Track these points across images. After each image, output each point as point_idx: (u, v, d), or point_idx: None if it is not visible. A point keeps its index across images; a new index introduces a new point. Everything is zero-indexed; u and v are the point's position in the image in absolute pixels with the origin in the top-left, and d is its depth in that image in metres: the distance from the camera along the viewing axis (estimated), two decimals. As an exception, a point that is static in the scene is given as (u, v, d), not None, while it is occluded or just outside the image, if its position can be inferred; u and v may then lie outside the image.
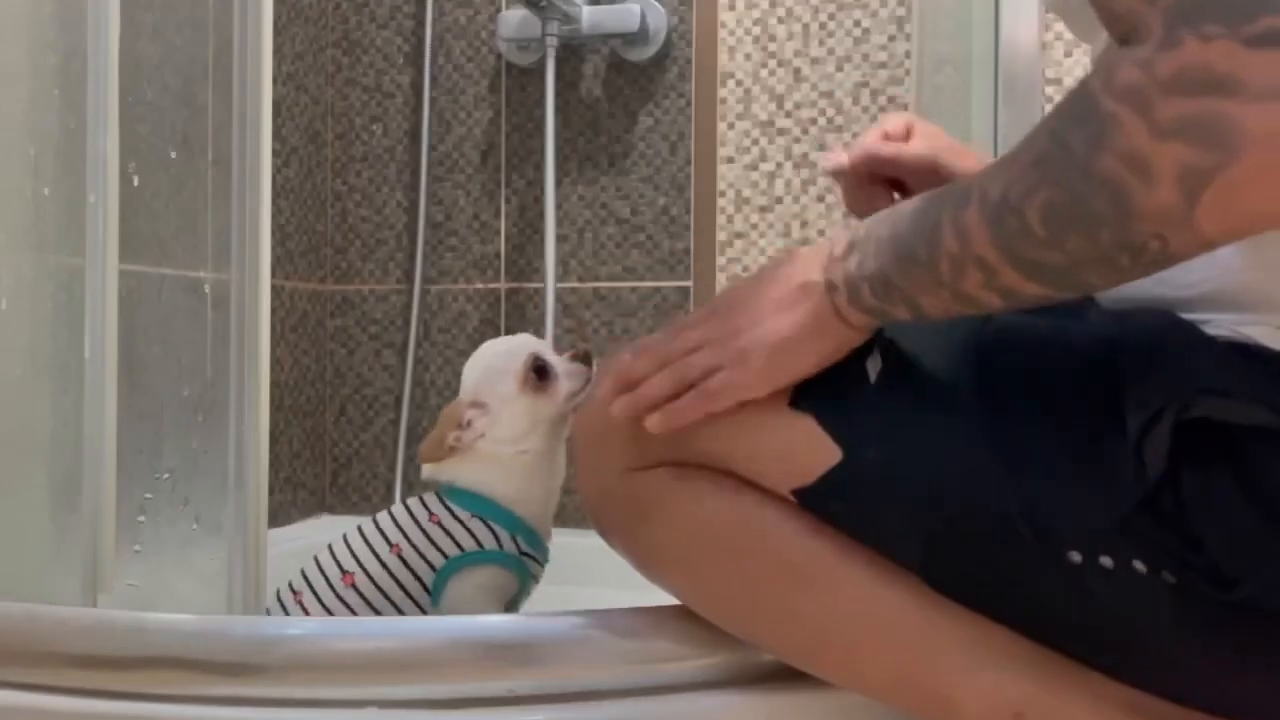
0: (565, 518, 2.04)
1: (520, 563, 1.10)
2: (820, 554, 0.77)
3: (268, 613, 1.10)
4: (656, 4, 1.98)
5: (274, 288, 1.30)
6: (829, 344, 0.73)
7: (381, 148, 2.17)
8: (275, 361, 1.92)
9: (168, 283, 1.20)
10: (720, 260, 1.95)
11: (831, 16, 1.92)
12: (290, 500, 2.05)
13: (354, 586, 1.08)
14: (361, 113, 2.18)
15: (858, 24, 1.91)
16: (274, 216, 1.20)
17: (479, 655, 0.86)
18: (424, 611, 1.07)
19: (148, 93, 1.19)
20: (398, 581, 1.07)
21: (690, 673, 0.87)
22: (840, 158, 0.93)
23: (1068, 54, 1.75)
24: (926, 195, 0.68)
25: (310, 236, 2.13)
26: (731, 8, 1.96)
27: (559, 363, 1.10)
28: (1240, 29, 0.52)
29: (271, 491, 1.23)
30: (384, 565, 1.08)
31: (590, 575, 1.47)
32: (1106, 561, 0.67)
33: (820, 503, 0.76)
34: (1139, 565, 0.66)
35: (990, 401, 0.70)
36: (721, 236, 1.95)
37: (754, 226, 1.94)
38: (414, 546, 1.08)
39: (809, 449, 0.74)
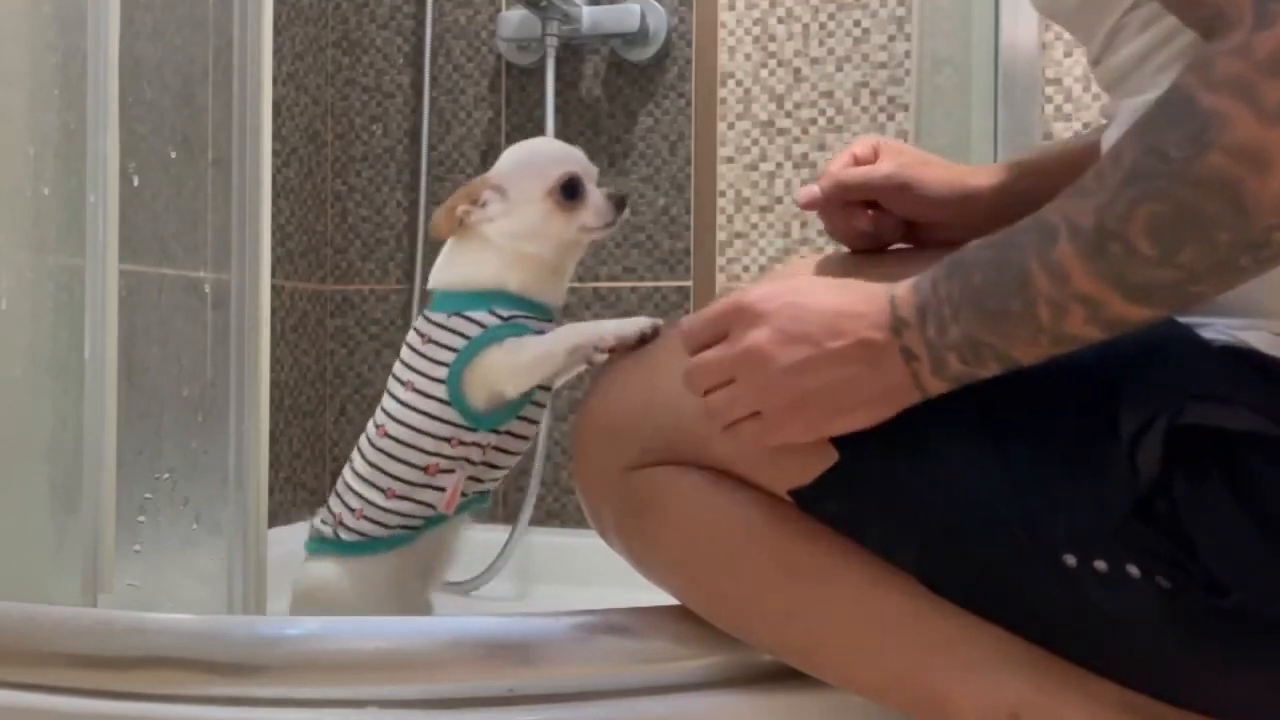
0: (565, 518, 2.05)
1: (510, 327, 1.04)
2: (816, 554, 0.77)
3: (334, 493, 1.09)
4: (656, 4, 1.98)
5: (274, 288, 1.30)
6: (892, 410, 0.70)
7: (381, 148, 2.17)
8: (275, 361, 1.92)
9: (168, 283, 1.20)
10: (720, 260, 1.95)
11: (831, 16, 1.92)
12: (290, 500, 2.05)
13: (388, 435, 1.07)
14: (361, 113, 2.18)
15: (858, 24, 1.91)
16: (274, 216, 1.21)
17: (479, 655, 0.86)
18: (465, 428, 1.05)
19: (148, 93, 1.19)
20: (426, 414, 1.05)
21: (690, 673, 0.87)
22: (812, 191, 0.93)
23: (1068, 54, 1.75)
24: (993, 242, 0.65)
25: (310, 236, 2.13)
26: (731, 8, 1.96)
27: (594, 193, 1.06)
28: None
29: (271, 491, 1.23)
30: (406, 405, 1.06)
31: (590, 575, 1.47)
32: (1100, 565, 0.67)
33: (817, 503, 0.76)
34: (1133, 569, 0.66)
35: (986, 405, 0.70)
36: (721, 236, 1.95)
37: (754, 226, 1.94)
38: (422, 374, 1.06)
39: (806, 450, 0.74)
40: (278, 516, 1.95)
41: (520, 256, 1.05)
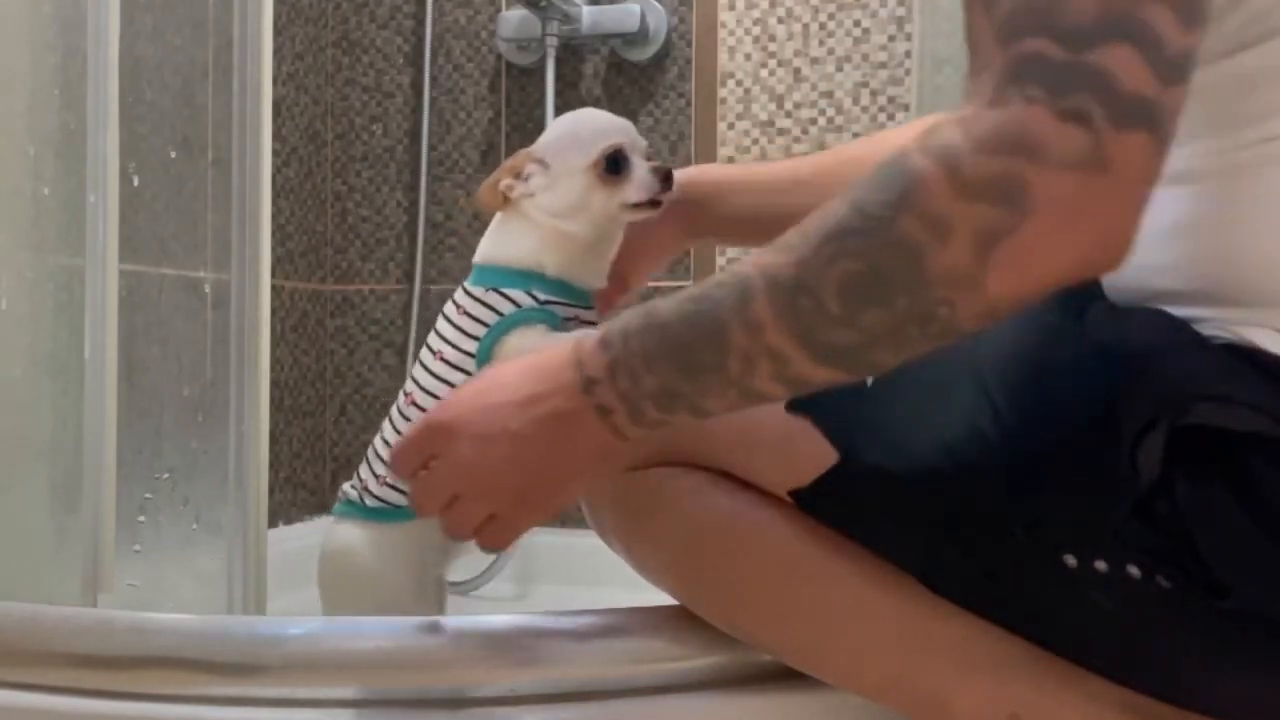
0: (565, 518, 2.04)
1: (543, 312, 1.03)
2: (816, 555, 0.77)
3: (366, 462, 1.08)
4: (656, 4, 1.98)
5: (274, 288, 1.30)
6: (608, 465, 0.74)
7: (381, 148, 2.17)
8: (275, 361, 1.92)
9: (167, 283, 1.20)
10: (720, 260, 1.95)
11: (831, 16, 1.92)
12: (290, 500, 2.05)
13: (414, 404, 1.05)
14: (361, 113, 2.18)
15: (858, 24, 1.91)
16: (274, 216, 1.21)
17: (479, 655, 0.86)
18: None
19: (148, 93, 1.19)
20: (453, 386, 1.02)
21: (690, 673, 0.87)
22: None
23: (1068, 54, 1.75)
24: (689, 295, 0.66)
25: (310, 236, 2.13)
26: (731, 8, 1.96)
27: (640, 166, 1.01)
28: (1057, 99, 0.53)
29: (271, 491, 1.23)
30: (434, 375, 1.04)
31: (590, 575, 1.47)
32: (1101, 565, 0.67)
33: (816, 504, 0.76)
34: (1133, 570, 0.66)
35: (986, 405, 0.70)
36: (721, 236, 1.95)
37: (754, 226, 1.94)
38: (453, 345, 1.04)
39: (805, 450, 0.74)
40: (278, 516, 1.95)
41: (559, 236, 1.03)
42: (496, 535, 0.75)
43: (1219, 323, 0.67)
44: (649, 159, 1.03)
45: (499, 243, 1.06)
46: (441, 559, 1.12)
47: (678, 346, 0.65)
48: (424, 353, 1.07)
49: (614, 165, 1.00)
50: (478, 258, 1.08)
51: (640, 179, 1.00)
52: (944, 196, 0.56)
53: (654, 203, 1.00)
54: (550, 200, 1.02)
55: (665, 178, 1.00)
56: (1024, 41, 0.55)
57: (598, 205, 1.01)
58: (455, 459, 0.73)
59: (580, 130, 1.04)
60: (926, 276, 0.57)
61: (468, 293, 1.05)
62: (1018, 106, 0.54)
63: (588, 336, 0.70)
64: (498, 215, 1.08)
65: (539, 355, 0.72)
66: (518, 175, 1.03)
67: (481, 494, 0.74)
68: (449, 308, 1.06)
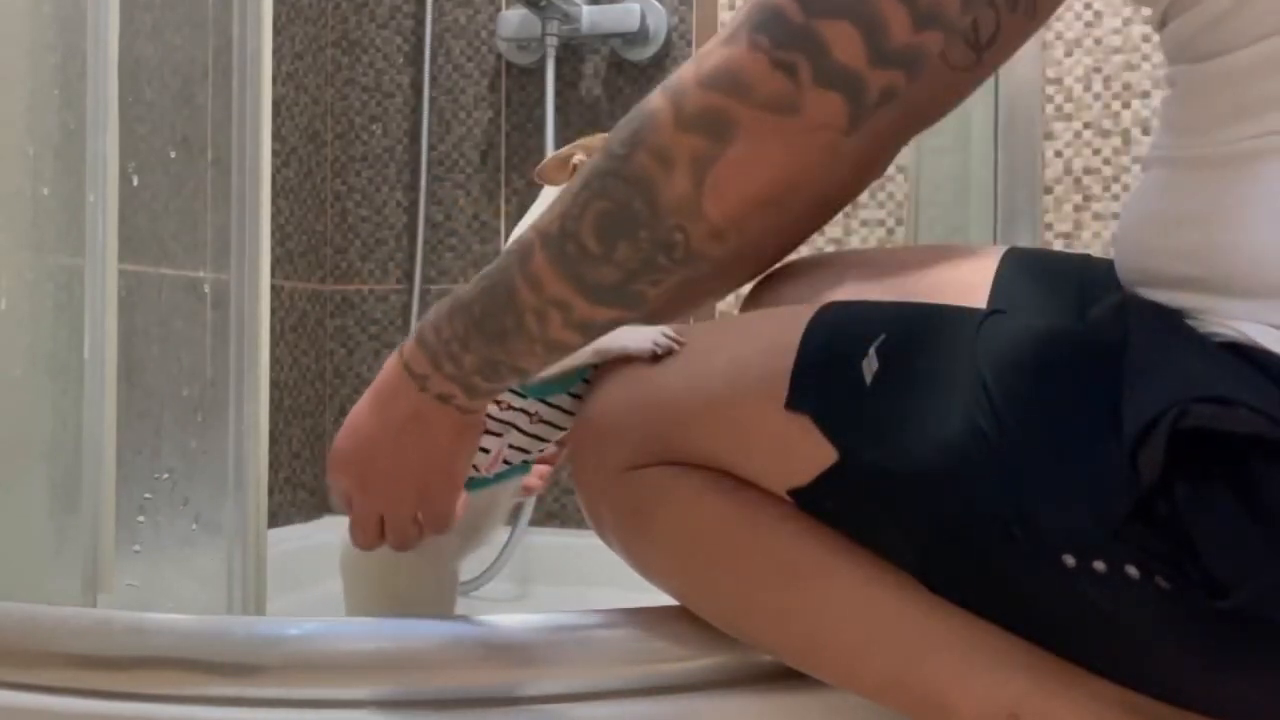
0: (565, 518, 2.04)
1: None
2: (816, 554, 0.77)
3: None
4: (656, 4, 1.98)
5: (273, 288, 1.30)
6: (473, 442, 0.82)
7: (381, 148, 2.17)
8: (275, 361, 1.92)
9: (167, 283, 1.20)
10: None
11: (831, 16, 1.92)
12: (290, 500, 2.05)
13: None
14: (361, 113, 2.18)
15: (858, 23, 1.91)
16: (274, 216, 1.20)
17: (479, 655, 0.86)
18: (515, 392, 1.03)
19: (147, 93, 1.19)
20: None
21: (690, 673, 0.86)
22: None
23: (1068, 54, 1.75)
24: (486, 272, 0.72)
25: (310, 236, 2.13)
26: (731, 7, 1.96)
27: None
28: (776, 51, 0.60)
29: (271, 492, 1.23)
30: None
31: (590, 575, 1.47)
32: (1100, 566, 0.66)
33: (816, 503, 0.76)
34: (1132, 570, 0.66)
35: (986, 404, 0.70)
36: (721, 236, 1.95)
37: (754, 226, 1.94)
38: None
39: (805, 450, 0.74)
40: (277, 517, 1.95)
41: None
42: (432, 525, 0.84)
43: (1215, 314, 0.67)
44: None
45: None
46: (464, 545, 1.12)
47: (481, 320, 0.71)
48: None
49: None
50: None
51: None
52: (668, 129, 0.62)
53: None
54: None
55: None
56: None
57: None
58: (358, 491, 0.82)
59: None
60: (659, 207, 0.63)
61: None
62: (743, 48, 0.61)
63: (407, 342, 0.77)
64: (543, 195, 1.08)
65: (378, 380, 0.79)
66: (590, 154, 1.04)
67: (394, 506, 0.82)
68: None
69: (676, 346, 0.89)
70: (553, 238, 0.67)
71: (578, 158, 1.03)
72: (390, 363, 0.78)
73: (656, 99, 0.63)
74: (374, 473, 0.81)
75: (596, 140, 1.03)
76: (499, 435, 1.05)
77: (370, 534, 0.84)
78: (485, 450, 1.05)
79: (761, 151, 0.61)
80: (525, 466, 1.10)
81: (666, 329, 0.92)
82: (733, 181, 0.62)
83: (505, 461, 1.06)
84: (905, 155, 1.11)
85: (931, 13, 0.61)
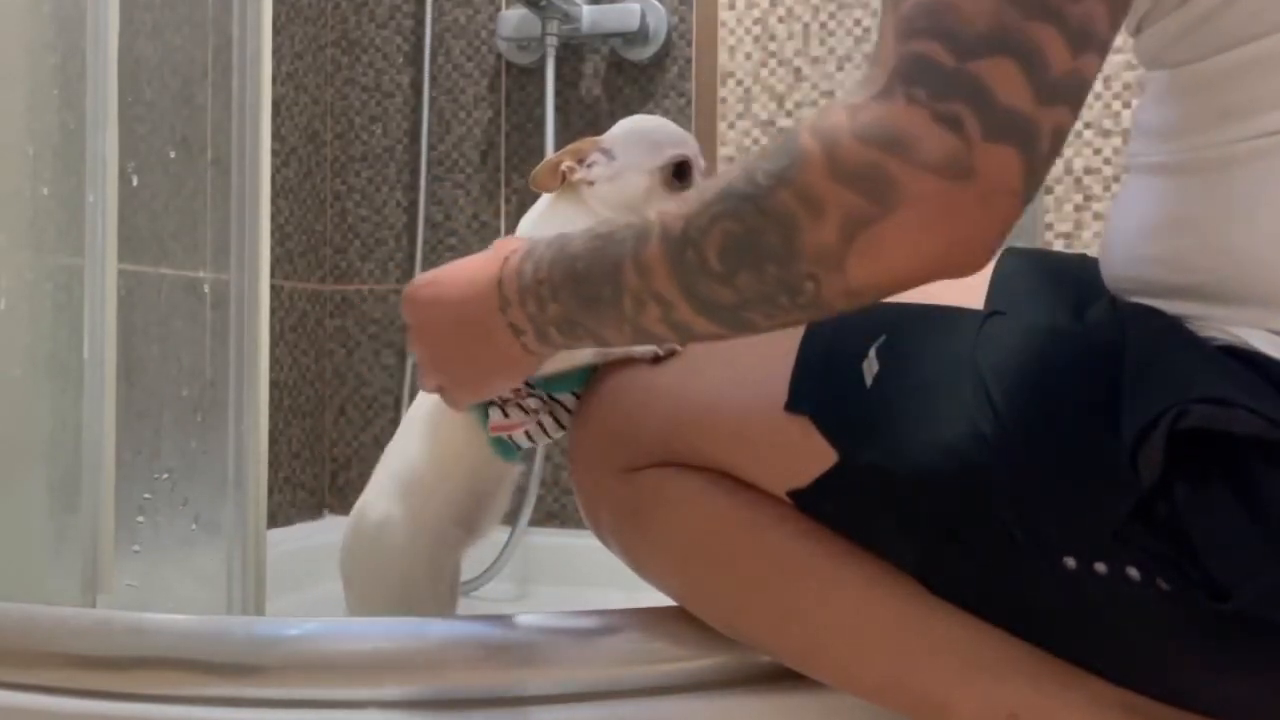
0: (565, 518, 2.04)
1: None
2: (815, 556, 0.77)
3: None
4: (656, 3, 1.98)
5: (273, 288, 1.30)
6: (521, 374, 0.83)
7: (381, 148, 2.17)
8: (275, 362, 1.92)
9: (167, 283, 1.20)
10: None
11: (832, 16, 1.92)
12: (290, 500, 2.05)
13: None
14: (361, 112, 2.18)
15: (858, 23, 1.91)
16: (273, 216, 1.20)
17: (479, 655, 0.86)
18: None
19: (147, 92, 1.19)
20: None
21: (690, 673, 0.86)
22: None
23: (1068, 53, 1.75)
24: (598, 232, 0.70)
25: (309, 236, 2.13)
26: (731, 7, 1.96)
27: (702, 183, 1.03)
28: (937, 103, 0.56)
29: (271, 492, 1.23)
30: None
31: (590, 576, 1.47)
32: (1100, 568, 0.66)
33: (815, 505, 0.76)
34: (1133, 572, 0.66)
35: (986, 406, 0.69)
36: (721, 236, 1.95)
37: (754, 226, 1.94)
38: None
39: (804, 451, 0.74)
40: (277, 517, 1.95)
41: None
42: (448, 401, 0.87)
43: (1212, 320, 0.67)
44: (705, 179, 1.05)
45: (549, 223, 1.06)
46: (464, 536, 1.12)
47: (581, 280, 0.70)
48: None
49: (680, 174, 1.02)
50: (524, 232, 1.07)
51: None
52: (820, 176, 0.58)
53: None
54: (610, 191, 1.02)
55: None
56: (917, 41, 0.57)
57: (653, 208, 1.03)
58: (412, 333, 0.84)
59: (653, 132, 1.06)
60: (795, 249, 0.60)
61: None
62: (899, 103, 0.57)
63: (514, 253, 0.76)
64: (545, 197, 1.07)
65: (483, 260, 0.79)
66: (580, 160, 1.03)
67: (428, 367, 0.85)
68: None
69: (678, 348, 0.88)
70: (674, 238, 0.65)
71: (566, 164, 1.03)
72: (496, 256, 0.78)
73: (805, 139, 0.59)
74: (423, 336, 0.83)
75: (586, 144, 1.03)
76: (530, 414, 1.04)
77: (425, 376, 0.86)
78: (515, 412, 1.04)
79: (929, 223, 0.57)
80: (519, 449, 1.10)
81: None
82: (890, 250, 0.58)
83: (510, 437, 1.05)
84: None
85: (1085, 30, 0.57)
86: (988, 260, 0.59)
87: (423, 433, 1.08)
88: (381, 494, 1.09)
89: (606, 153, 1.03)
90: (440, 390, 0.86)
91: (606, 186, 1.02)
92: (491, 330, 0.77)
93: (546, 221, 1.06)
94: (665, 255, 0.65)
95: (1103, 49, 0.58)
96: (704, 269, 0.63)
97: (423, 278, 0.85)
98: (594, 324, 0.71)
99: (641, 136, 1.04)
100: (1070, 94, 0.57)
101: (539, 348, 0.76)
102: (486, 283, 0.77)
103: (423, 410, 1.08)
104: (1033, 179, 0.57)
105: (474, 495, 1.09)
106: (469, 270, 0.80)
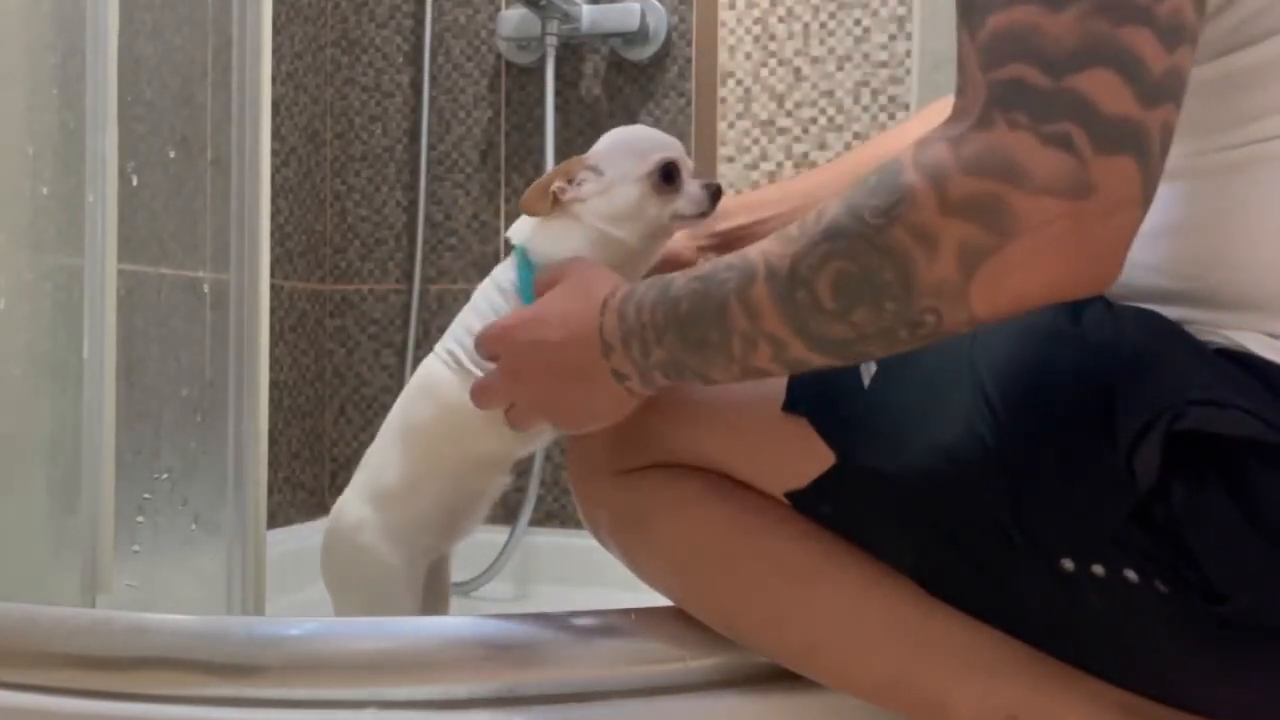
0: (565, 518, 2.04)
1: None
2: (813, 557, 0.77)
3: None
4: (656, 3, 1.98)
5: (273, 288, 1.30)
6: (624, 412, 0.79)
7: (381, 147, 2.17)
8: (274, 361, 1.92)
9: (166, 282, 1.20)
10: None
11: (832, 15, 1.92)
12: (290, 500, 2.05)
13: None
14: (361, 112, 2.18)
15: (858, 23, 1.91)
16: (273, 216, 1.20)
17: (479, 655, 0.86)
18: None
19: (146, 92, 1.19)
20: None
21: (689, 673, 0.86)
22: None
23: (1068, 53, 1.75)
24: (701, 275, 0.70)
25: (309, 236, 2.13)
26: (731, 7, 1.96)
27: (690, 182, 1.05)
28: (1041, 125, 0.55)
29: (270, 492, 1.23)
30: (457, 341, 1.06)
31: (590, 576, 1.47)
32: (1098, 570, 0.66)
33: (813, 506, 0.76)
34: (1130, 574, 0.66)
35: (984, 408, 0.70)
36: (721, 236, 1.95)
37: (754, 226, 1.94)
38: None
39: (802, 452, 0.74)
40: (277, 517, 1.95)
41: (606, 240, 1.03)
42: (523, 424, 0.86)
43: (1208, 325, 0.67)
44: (694, 177, 1.06)
45: (545, 239, 1.06)
46: (437, 543, 1.12)
47: (685, 323, 0.69)
48: (457, 327, 1.08)
49: (668, 177, 1.03)
50: (519, 239, 1.07)
51: (692, 193, 1.04)
52: (932, 212, 0.58)
53: (701, 214, 1.04)
54: (602, 205, 1.03)
55: (715, 195, 1.04)
56: (1007, 67, 0.56)
57: (650, 214, 1.03)
58: (508, 375, 0.83)
59: (636, 142, 1.07)
60: (914, 286, 0.59)
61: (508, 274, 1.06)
62: (1002, 130, 0.56)
63: (614, 295, 0.76)
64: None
65: (579, 300, 0.79)
66: (570, 180, 1.04)
67: (527, 410, 0.84)
68: (490, 291, 1.07)
69: None
70: (781, 277, 0.64)
71: (557, 184, 1.04)
72: (596, 297, 0.77)
73: (910, 174, 0.59)
74: (521, 379, 0.82)
75: (573, 164, 1.04)
76: None
77: (487, 405, 0.86)
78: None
79: (1056, 246, 0.56)
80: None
81: None
82: (1012, 279, 0.57)
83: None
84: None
85: (1175, 25, 0.56)
86: (1119, 273, 0.58)
87: (396, 446, 1.09)
88: (357, 496, 1.09)
89: (594, 169, 1.04)
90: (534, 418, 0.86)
91: (599, 200, 1.03)
92: (593, 375, 0.76)
93: (543, 234, 1.06)
94: (774, 295, 0.64)
95: (1194, 40, 0.57)
96: (817, 308, 0.63)
97: (517, 317, 0.84)
98: (701, 366, 0.70)
99: (626, 148, 1.05)
100: (1172, 91, 0.56)
101: (643, 390, 0.76)
102: (586, 326, 0.76)
103: (396, 422, 1.08)
104: (1151, 183, 0.56)
105: (445, 509, 1.10)
106: (563, 309, 0.80)
